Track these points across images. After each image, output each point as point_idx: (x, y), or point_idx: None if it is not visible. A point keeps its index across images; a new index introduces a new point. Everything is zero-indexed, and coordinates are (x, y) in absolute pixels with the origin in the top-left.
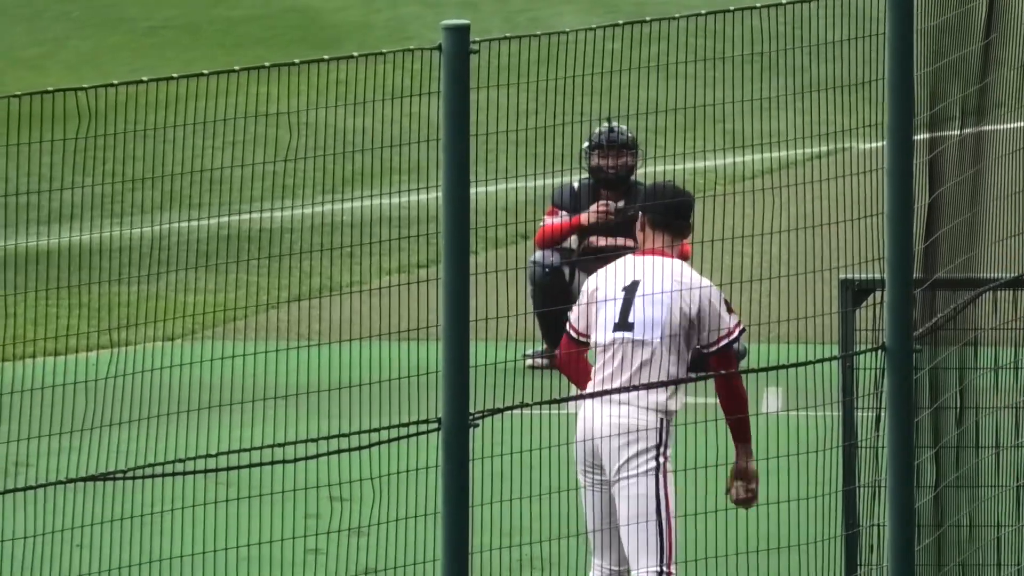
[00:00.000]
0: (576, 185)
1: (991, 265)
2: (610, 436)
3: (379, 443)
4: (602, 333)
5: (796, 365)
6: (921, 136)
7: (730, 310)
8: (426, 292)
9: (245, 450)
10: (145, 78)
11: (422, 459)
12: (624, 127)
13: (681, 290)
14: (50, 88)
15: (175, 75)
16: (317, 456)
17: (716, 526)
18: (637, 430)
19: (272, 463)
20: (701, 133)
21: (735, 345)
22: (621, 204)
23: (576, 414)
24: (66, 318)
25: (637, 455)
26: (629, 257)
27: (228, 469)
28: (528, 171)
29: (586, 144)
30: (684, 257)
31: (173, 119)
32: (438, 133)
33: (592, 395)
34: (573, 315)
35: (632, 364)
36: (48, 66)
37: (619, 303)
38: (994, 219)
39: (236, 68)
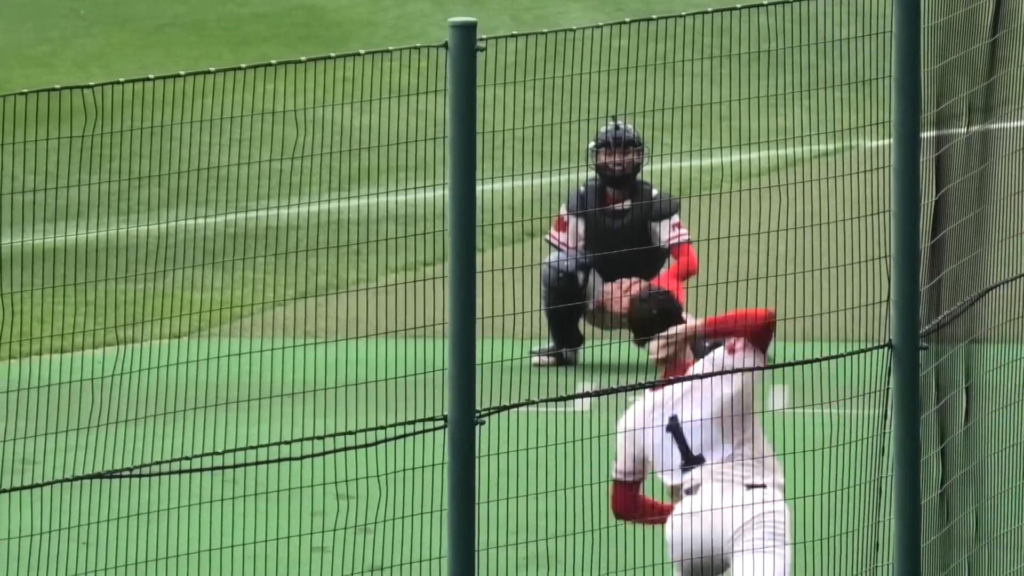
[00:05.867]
0: (583, 188)
1: (998, 262)
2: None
3: (385, 440)
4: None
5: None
6: (928, 134)
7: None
8: (432, 290)
9: (251, 447)
10: (152, 76)
11: (428, 456)
12: (630, 125)
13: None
14: (57, 86)
15: (182, 72)
16: (323, 454)
17: None
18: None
19: (278, 460)
20: (708, 130)
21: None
22: (627, 204)
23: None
24: (72, 316)
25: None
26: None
27: (235, 467)
28: (535, 168)
29: (592, 143)
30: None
31: (180, 117)
32: (444, 131)
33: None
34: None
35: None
36: (56, 64)
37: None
38: (1001, 216)
39: (243, 66)
